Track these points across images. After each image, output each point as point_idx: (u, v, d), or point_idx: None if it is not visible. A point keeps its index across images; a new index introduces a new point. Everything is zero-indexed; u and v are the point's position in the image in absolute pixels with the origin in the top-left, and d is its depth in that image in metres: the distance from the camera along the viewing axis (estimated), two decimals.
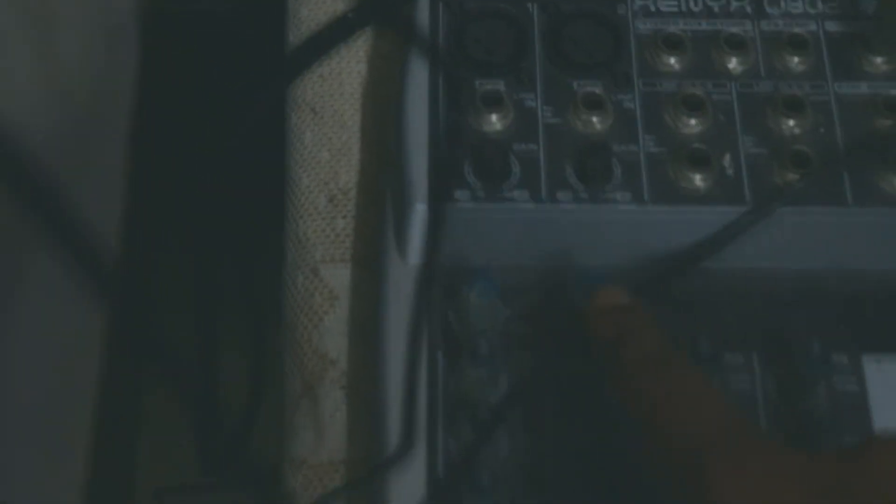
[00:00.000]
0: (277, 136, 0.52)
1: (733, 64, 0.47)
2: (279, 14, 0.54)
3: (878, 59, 0.46)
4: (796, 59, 0.47)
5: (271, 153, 0.52)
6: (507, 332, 0.43)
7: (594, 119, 0.45)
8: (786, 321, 0.43)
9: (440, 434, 0.40)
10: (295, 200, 0.50)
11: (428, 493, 0.38)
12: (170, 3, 0.58)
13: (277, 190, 0.51)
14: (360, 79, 0.52)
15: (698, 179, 0.44)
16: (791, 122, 0.45)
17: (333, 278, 0.48)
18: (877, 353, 0.43)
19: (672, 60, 0.47)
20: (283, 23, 0.54)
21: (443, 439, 0.40)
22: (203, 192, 0.51)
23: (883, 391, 0.43)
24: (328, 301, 0.48)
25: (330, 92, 0.52)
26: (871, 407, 0.42)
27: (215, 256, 0.50)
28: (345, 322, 0.47)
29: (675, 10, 0.48)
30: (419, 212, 0.44)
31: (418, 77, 0.46)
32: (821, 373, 0.42)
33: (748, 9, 0.48)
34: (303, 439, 0.46)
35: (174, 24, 0.58)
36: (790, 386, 0.42)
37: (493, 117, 0.45)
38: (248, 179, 0.51)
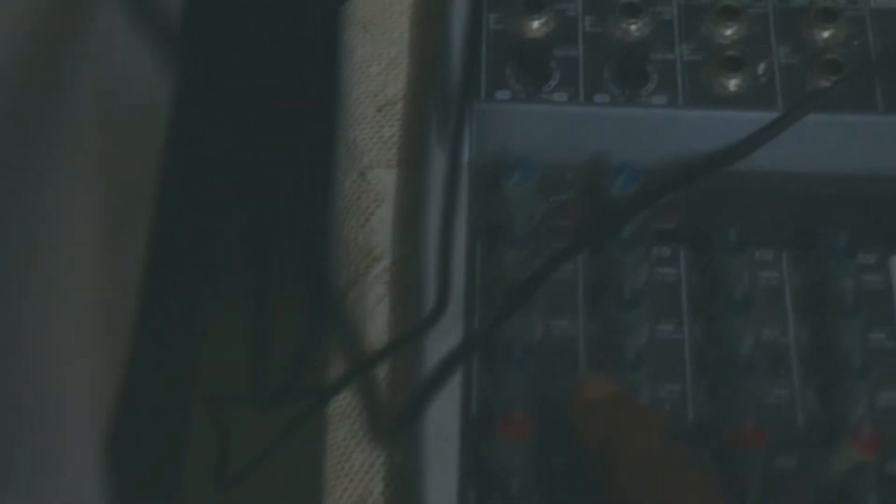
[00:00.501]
0: (330, 54, 0.54)
1: None
2: None
3: None
4: None
5: (323, 70, 0.54)
6: (544, 223, 0.45)
7: (633, 27, 0.47)
8: (815, 222, 0.45)
9: (477, 304, 0.42)
10: (345, 111, 0.52)
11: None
12: None
13: (329, 103, 0.53)
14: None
15: (732, 84, 0.46)
16: (825, 34, 0.47)
17: (379, 181, 0.50)
18: None
19: None
20: None
21: (479, 308, 0.42)
22: (257, 108, 0.53)
23: None
24: (374, 202, 0.50)
25: (381, 10, 0.54)
26: None
27: (268, 166, 0.52)
28: (389, 222, 0.49)
29: None
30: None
31: None
32: (848, 270, 0.43)
33: None
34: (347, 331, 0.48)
35: None
36: (818, 281, 0.44)
37: (535, 23, 0.47)
38: (301, 93, 0.54)
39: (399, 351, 0.42)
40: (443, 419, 0.42)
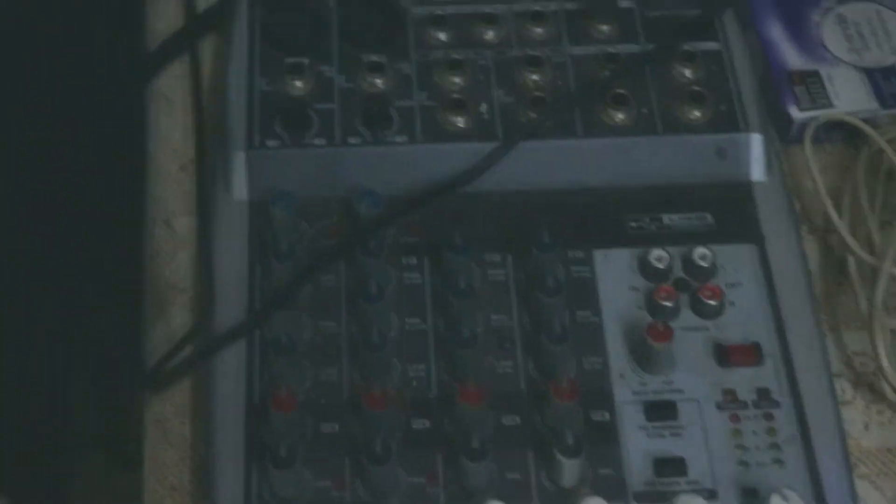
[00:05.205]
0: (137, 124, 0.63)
1: (489, 36, 0.59)
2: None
3: (603, 27, 0.59)
4: (539, 30, 0.59)
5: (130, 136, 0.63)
6: (312, 244, 0.54)
7: (377, 81, 0.57)
8: (532, 228, 0.54)
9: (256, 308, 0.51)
10: (152, 171, 0.61)
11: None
12: None
13: (138, 165, 0.62)
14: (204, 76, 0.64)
15: (460, 122, 0.56)
16: (534, 77, 0.57)
17: (182, 227, 0.59)
18: (605, 248, 0.54)
19: (441, 35, 0.59)
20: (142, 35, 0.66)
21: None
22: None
23: (608, 275, 0.54)
24: (177, 245, 0.59)
25: (181, 85, 0.63)
26: (599, 289, 0.53)
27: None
28: (191, 258, 0.58)
29: None
30: (239, 157, 0.55)
31: (239, 57, 0.58)
32: (559, 263, 0.53)
33: None
34: (158, 352, 0.56)
35: None
36: (535, 275, 0.53)
37: (298, 83, 0.57)
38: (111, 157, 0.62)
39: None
40: (230, 410, 0.50)
